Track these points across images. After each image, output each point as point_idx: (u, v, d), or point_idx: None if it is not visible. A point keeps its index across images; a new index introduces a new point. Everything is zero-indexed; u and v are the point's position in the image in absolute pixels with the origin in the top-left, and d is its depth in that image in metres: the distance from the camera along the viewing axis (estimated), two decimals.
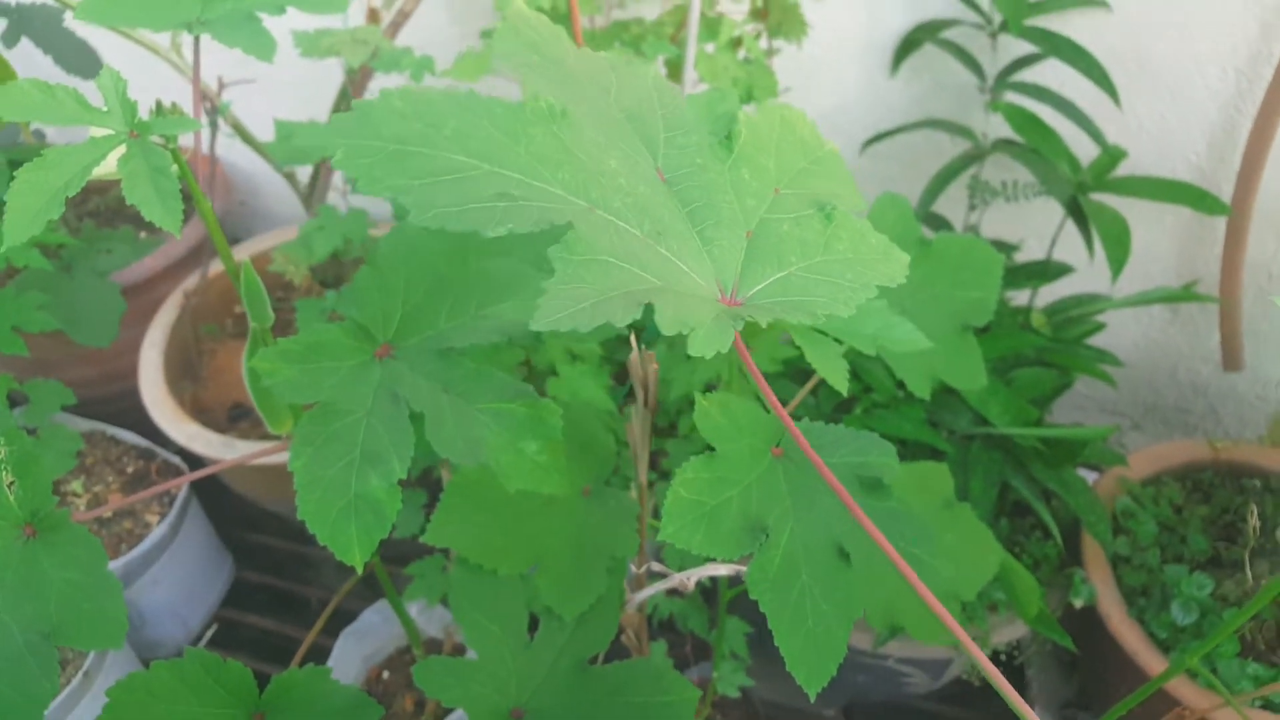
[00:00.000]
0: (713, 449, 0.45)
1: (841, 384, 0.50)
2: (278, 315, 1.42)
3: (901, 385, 0.92)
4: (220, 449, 1.13)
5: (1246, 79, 1.00)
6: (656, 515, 0.47)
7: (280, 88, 1.22)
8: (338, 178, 1.22)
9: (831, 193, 0.44)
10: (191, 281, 1.31)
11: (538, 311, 0.31)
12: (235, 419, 1.29)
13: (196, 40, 0.59)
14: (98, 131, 0.48)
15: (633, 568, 0.58)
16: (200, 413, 1.27)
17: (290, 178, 1.21)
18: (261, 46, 0.56)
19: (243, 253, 1.37)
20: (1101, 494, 0.99)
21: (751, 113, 0.46)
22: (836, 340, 0.55)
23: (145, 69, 0.96)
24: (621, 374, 0.96)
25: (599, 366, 0.91)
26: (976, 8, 1.02)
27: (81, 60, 1.15)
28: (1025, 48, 1.01)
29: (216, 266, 1.31)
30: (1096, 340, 1.06)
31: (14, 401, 1.03)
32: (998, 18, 1.01)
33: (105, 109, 0.47)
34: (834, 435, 0.49)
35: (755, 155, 0.44)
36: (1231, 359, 1.13)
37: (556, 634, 0.56)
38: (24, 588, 0.53)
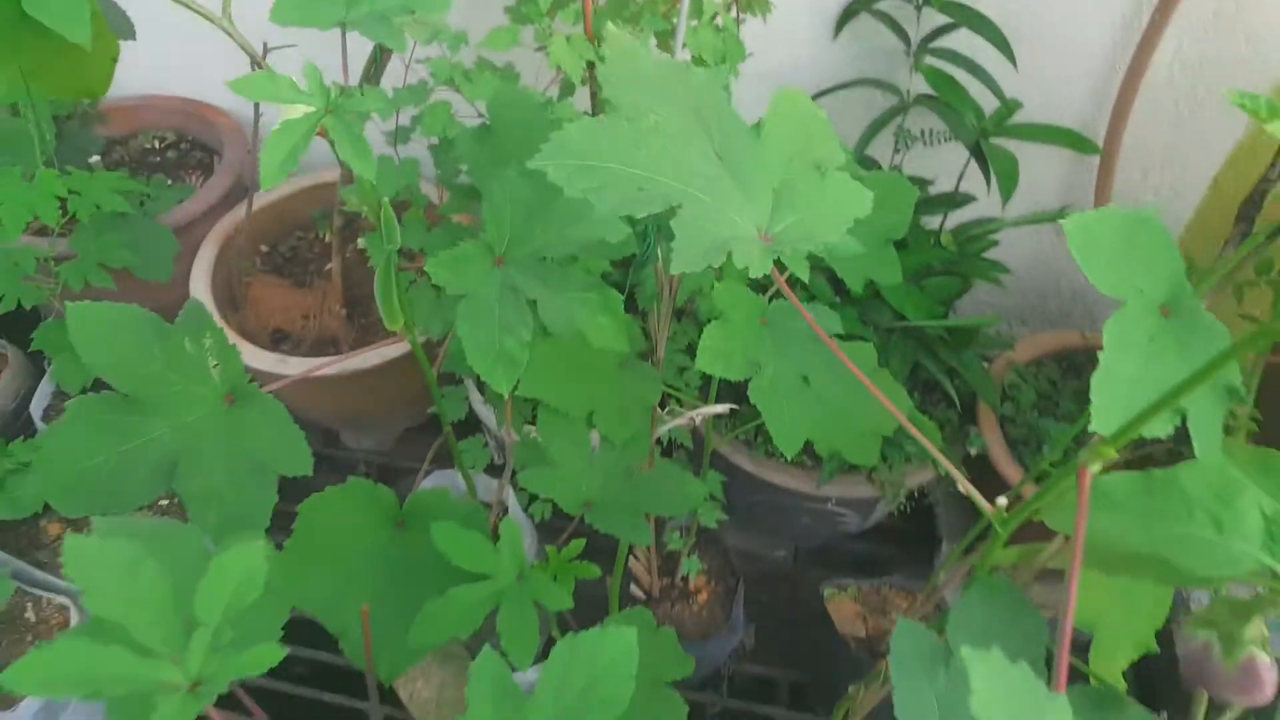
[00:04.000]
0: (720, 317, 0.70)
1: (803, 273, 0.75)
2: (311, 246, 1.61)
3: (838, 291, 1.18)
4: (274, 365, 1.32)
5: (1122, 36, 1.22)
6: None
7: (312, 52, 1.40)
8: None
9: (824, 155, 0.63)
10: (230, 220, 1.49)
11: (673, 262, 0.49)
12: (277, 342, 1.44)
13: (344, 30, 0.80)
14: (294, 111, 0.70)
15: (656, 409, 0.83)
16: (246, 337, 1.46)
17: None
18: (393, 39, 0.78)
19: (284, 190, 1.57)
20: (994, 373, 1.26)
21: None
22: None
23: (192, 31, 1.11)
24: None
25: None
26: None
27: (117, 23, 1.31)
28: (943, 19, 1.23)
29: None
30: (992, 254, 1.32)
31: None
32: None
33: (308, 91, 0.69)
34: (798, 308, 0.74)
35: (774, 135, 0.60)
36: None
37: (610, 453, 0.82)
38: (235, 437, 0.72)
